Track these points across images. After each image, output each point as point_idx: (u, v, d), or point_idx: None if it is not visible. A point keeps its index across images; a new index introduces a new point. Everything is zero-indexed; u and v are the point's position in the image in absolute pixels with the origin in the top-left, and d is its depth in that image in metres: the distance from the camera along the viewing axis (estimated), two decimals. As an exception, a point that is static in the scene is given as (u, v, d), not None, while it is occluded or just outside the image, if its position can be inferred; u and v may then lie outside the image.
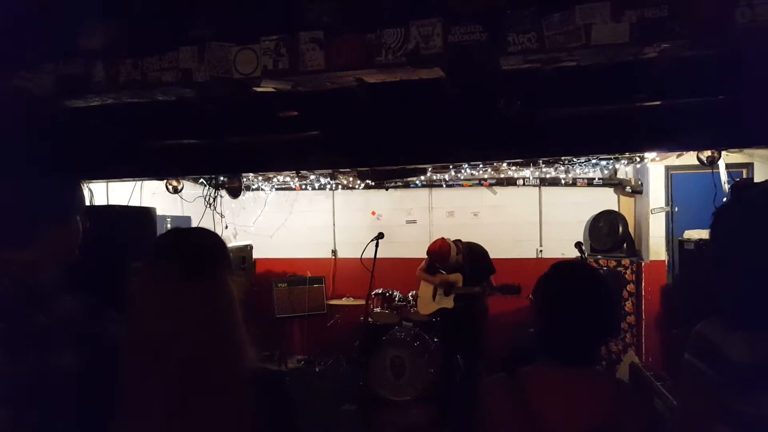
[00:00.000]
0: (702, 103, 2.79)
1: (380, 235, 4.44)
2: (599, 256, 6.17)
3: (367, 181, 6.87)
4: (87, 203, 4.66)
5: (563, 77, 2.54)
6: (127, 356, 1.23)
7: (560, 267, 1.62)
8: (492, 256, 5.25)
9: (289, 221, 7.57)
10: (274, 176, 6.94)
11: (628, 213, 6.46)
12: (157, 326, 1.22)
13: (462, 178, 6.91)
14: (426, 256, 5.33)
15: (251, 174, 6.58)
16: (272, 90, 2.42)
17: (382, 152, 3.48)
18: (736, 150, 5.03)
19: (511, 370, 1.55)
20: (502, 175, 6.81)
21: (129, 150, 3.54)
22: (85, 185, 4.69)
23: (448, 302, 5.11)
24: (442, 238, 5.08)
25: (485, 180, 6.88)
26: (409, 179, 6.95)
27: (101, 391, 1.19)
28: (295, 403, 1.37)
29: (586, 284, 1.54)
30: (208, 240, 1.40)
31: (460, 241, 5.20)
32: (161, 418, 1.19)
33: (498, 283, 4.95)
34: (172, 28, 2.37)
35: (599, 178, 6.55)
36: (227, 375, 1.23)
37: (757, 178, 5.26)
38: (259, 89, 2.40)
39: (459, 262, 5.03)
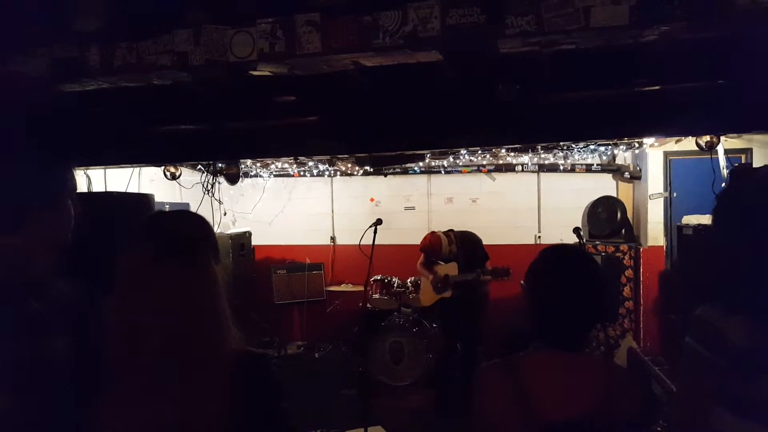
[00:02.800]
0: (701, 87, 2.78)
1: (378, 222, 4.41)
2: (597, 242, 6.17)
3: (366, 168, 6.86)
4: (86, 190, 4.67)
5: (562, 61, 2.53)
6: (110, 338, 1.23)
7: (550, 252, 1.61)
8: (490, 242, 5.26)
9: (288, 208, 7.57)
10: (273, 163, 6.93)
11: (626, 199, 6.46)
12: (136, 308, 1.22)
13: (461, 164, 6.90)
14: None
15: (249, 160, 6.56)
16: (269, 74, 2.40)
17: (380, 138, 3.47)
18: (735, 135, 5.01)
19: (506, 355, 1.55)
20: (501, 162, 6.80)
21: (126, 136, 3.53)
22: (83, 172, 4.68)
23: (447, 292, 5.14)
24: (432, 232, 5.15)
25: (484, 166, 6.88)
26: (407, 165, 6.94)
27: (97, 377, 1.19)
28: (281, 385, 1.37)
29: (576, 268, 1.53)
30: (191, 224, 1.39)
31: (452, 231, 5.21)
32: (143, 400, 1.20)
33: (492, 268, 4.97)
34: (167, 11, 2.35)
35: (598, 164, 6.54)
36: (208, 358, 1.23)
37: (756, 164, 5.24)
38: (255, 73, 2.38)
39: (453, 252, 5.06)
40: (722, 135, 4.43)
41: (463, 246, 5.09)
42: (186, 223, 1.39)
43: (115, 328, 1.23)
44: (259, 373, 1.32)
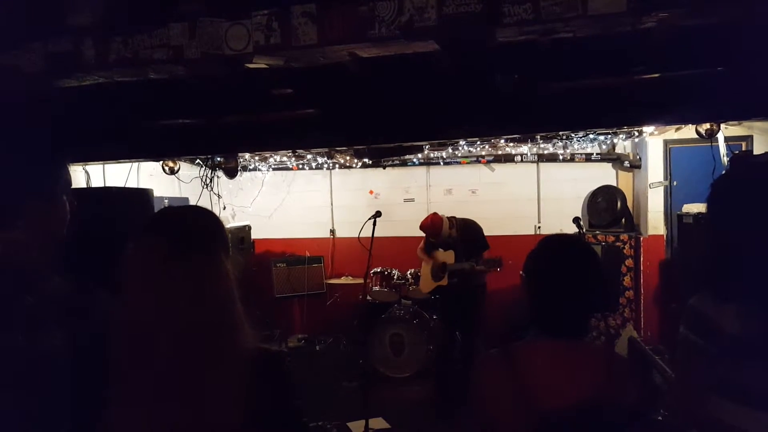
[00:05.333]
0: (701, 74, 2.76)
1: (378, 214, 4.41)
2: (598, 232, 6.17)
3: (365, 160, 6.85)
4: (84, 185, 4.65)
5: (560, 51, 2.51)
6: (117, 336, 1.21)
7: (549, 241, 1.61)
8: (490, 233, 5.25)
9: (287, 201, 7.56)
10: (271, 156, 6.91)
11: (626, 188, 6.45)
12: (147, 305, 1.19)
13: (459, 155, 6.88)
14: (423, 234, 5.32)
15: (247, 154, 6.54)
16: (265, 66, 2.39)
17: (378, 130, 3.46)
18: (736, 123, 5.00)
19: (505, 345, 1.54)
20: (500, 152, 6.78)
21: (124, 131, 3.52)
22: (82, 167, 4.67)
23: (443, 280, 5.13)
24: (434, 213, 5.09)
25: (483, 157, 6.86)
26: (406, 157, 6.92)
27: (91, 372, 1.18)
28: (294, 384, 1.35)
29: (575, 257, 1.52)
30: (201, 218, 1.36)
31: (454, 217, 5.19)
32: (154, 399, 1.17)
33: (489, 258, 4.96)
34: (162, 4, 2.33)
35: (597, 154, 6.52)
36: (221, 355, 1.21)
37: (757, 151, 5.22)
38: (251, 65, 2.37)
39: (452, 236, 5.03)
40: (722, 122, 4.42)
41: (463, 232, 5.07)
42: (196, 218, 1.35)
43: (125, 327, 1.21)
44: (275, 371, 1.29)
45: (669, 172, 5.95)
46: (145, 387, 1.18)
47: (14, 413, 1.16)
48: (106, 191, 4.29)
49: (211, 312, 1.22)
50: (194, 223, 1.33)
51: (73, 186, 1.48)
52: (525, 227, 6.85)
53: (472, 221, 5.22)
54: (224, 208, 7.20)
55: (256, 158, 6.99)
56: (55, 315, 1.22)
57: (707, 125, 4.49)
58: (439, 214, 5.08)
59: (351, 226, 6.97)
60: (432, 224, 4.98)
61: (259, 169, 7.39)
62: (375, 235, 4.27)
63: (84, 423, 1.21)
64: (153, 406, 1.17)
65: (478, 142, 6.27)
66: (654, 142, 5.93)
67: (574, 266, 1.50)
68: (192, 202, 6.18)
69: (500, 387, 1.46)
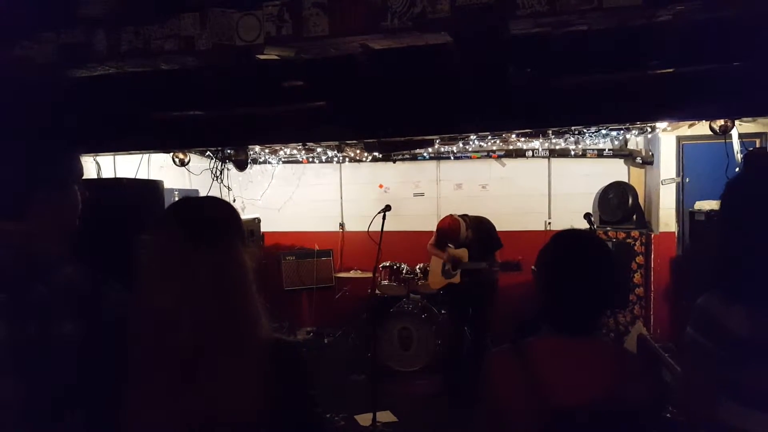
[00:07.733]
0: (716, 70, 2.72)
1: (387, 208, 4.39)
2: (608, 228, 6.13)
3: (375, 154, 6.83)
4: (95, 176, 4.68)
5: (574, 43, 2.48)
6: (135, 326, 1.21)
7: (562, 236, 1.59)
8: (500, 228, 5.21)
9: (297, 194, 7.56)
10: (281, 149, 6.91)
11: (638, 184, 6.39)
12: (166, 296, 1.19)
13: (470, 150, 6.85)
14: (435, 231, 5.29)
15: (258, 147, 6.55)
16: (276, 57, 2.38)
17: (389, 123, 3.44)
18: (750, 119, 4.94)
19: (516, 341, 1.53)
20: (511, 147, 6.74)
21: (134, 122, 3.52)
22: (92, 158, 4.69)
23: (456, 277, 5.10)
24: (451, 216, 5.01)
25: (494, 152, 6.82)
26: (416, 152, 6.90)
27: (102, 361, 1.19)
28: (311, 373, 1.35)
29: (588, 253, 1.51)
30: (219, 208, 1.36)
31: (467, 215, 5.15)
32: (171, 390, 1.17)
33: (504, 257, 4.91)
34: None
35: (609, 149, 6.46)
36: (239, 346, 1.21)
37: (771, 148, 5.17)
38: (262, 57, 2.36)
39: (468, 237, 4.99)
40: (737, 119, 4.37)
41: (477, 231, 5.03)
42: (213, 209, 1.36)
43: (143, 317, 1.21)
44: (291, 361, 1.30)
45: (681, 168, 5.90)
46: (164, 377, 1.18)
47: (26, 401, 1.17)
48: (117, 182, 4.31)
49: (228, 302, 1.22)
50: (211, 213, 1.33)
51: (84, 177, 1.48)
52: (535, 223, 6.81)
53: (486, 219, 5.17)
54: (234, 201, 7.21)
55: (266, 151, 7.00)
56: (66, 304, 1.23)
57: (721, 121, 4.44)
58: (455, 216, 5.01)
59: (360, 219, 6.96)
60: (450, 228, 4.91)
61: (269, 162, 7.40)
62: (384, 229, 4.27)
63: (95, 412, 1.21)
64: (172, 396, 1.18)
65: (489, 137, 6.24)
66: (667, 138, 5.87)
67: (588, 262, 1.48)
68: (202, 195, 6.19)
69: (512, 383, 1.45)
